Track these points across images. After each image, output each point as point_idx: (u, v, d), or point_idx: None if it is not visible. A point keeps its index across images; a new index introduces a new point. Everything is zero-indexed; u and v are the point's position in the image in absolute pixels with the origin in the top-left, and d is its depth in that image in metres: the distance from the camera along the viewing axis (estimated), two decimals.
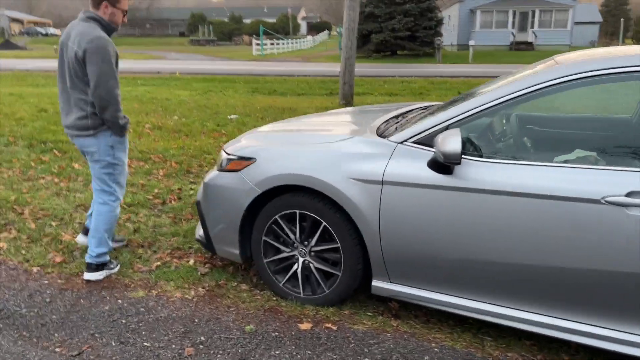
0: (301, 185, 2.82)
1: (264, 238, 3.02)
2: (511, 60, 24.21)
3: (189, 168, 5.67)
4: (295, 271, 3.01)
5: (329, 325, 2.77)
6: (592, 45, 41.47)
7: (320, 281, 2.96)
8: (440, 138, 2.41)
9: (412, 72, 18.86)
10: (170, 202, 4.65)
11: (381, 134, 2.87)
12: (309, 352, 2.55)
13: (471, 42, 27.29)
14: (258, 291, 3.17)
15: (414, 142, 2.64)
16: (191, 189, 5.00)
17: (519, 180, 2.36)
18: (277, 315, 2.88)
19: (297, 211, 2.88)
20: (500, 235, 2.40)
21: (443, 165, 2.47)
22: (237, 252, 3.13)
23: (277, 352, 2.54)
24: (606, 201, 2.21)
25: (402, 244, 2.63)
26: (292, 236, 2.96)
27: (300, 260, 2.99)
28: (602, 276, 2.27)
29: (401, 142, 2.67)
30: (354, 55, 10.87)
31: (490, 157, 2.48)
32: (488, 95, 2.54)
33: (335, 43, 43.57)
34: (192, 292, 3.12)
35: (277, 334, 2.70)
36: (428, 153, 2.57)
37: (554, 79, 2.41)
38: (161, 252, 3.65)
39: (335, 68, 18.69)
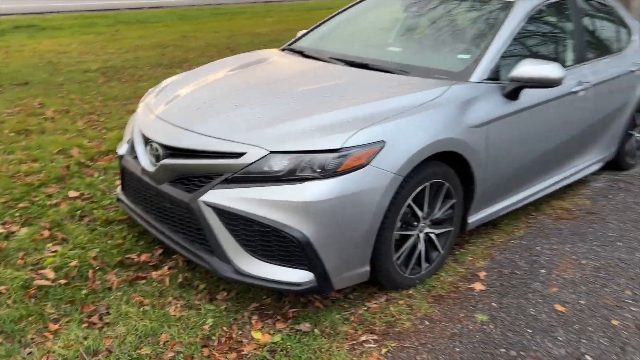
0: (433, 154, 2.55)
1: (395, 233, 2.51)
2: None
3: None
4: (419, 252, 2.70)
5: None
6: None
7: (438, 246, 2.80)
8: None
9: None
10: None
11: None
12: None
13: None
14: (383, 297, 2.62)
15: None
16: None
17: None
18: (449, 297, 2.61)
19: (427, 183, 2.58)
20: None
21: None
22: (368, 267, 2.47)
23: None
24: None
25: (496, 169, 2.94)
26: (419, 214, 2.62)
27: (422, 237, 2.70)
28: None
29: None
30: None
31: None
32: None
33: None
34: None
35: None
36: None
37: None
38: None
39: None
